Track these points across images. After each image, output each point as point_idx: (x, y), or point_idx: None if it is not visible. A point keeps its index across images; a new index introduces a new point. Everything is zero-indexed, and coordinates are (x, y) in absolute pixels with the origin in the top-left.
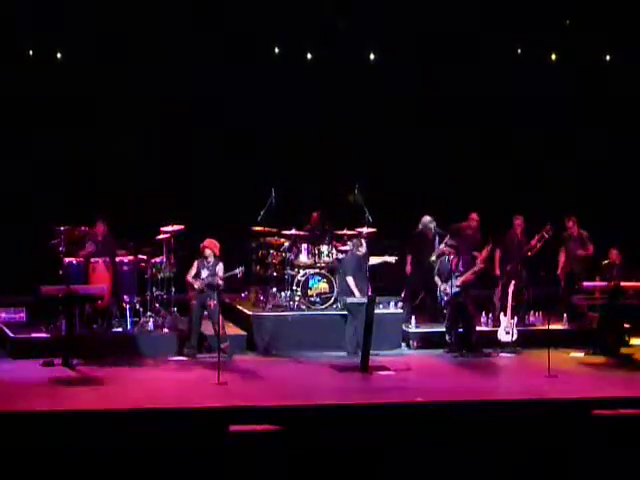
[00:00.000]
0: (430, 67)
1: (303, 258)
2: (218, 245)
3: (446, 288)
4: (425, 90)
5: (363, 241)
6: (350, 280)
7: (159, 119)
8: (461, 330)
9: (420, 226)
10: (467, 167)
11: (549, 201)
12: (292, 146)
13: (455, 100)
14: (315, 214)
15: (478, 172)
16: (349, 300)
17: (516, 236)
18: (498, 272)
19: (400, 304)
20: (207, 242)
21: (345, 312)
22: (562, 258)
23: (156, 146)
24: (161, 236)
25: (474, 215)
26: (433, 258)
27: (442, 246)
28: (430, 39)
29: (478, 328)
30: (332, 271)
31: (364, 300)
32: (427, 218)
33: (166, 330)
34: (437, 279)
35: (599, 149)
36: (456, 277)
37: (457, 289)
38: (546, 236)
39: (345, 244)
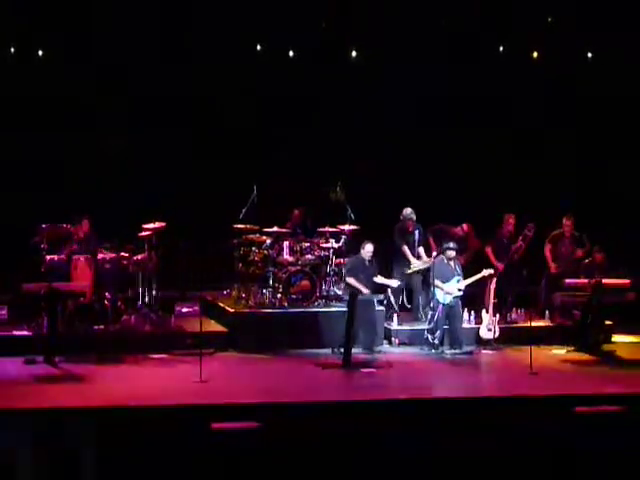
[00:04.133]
0: (415, 67)
1: (285, 255)
2: None
3: (450, 289)
4: (410, 89)
5: (366, 244)
6: (351, 280)
7: (141, 117)
8: (447, 327)
9: (401, 217)
10: (453, 166)
11: (539, 200)
12: (274, 143)
13: (441, 99)
14: (297, 211)
15: (465, 170)
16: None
17: (506, 234)
18: (491, 270)
19: (383, 301)
20: None
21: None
22: (548, 254)
23: (139, 144)
24: (143, 233)
25: (465, 226)
26: (427, 260)
27: (435, 255)
28: (416, 40)
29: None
30: (314, 268)
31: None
32: (408, 210)
33: (148, 327)
34: (437, 281)
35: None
36: (457, 280)
37: (460, 292)
38: (529, 234)
39: (327, 241)
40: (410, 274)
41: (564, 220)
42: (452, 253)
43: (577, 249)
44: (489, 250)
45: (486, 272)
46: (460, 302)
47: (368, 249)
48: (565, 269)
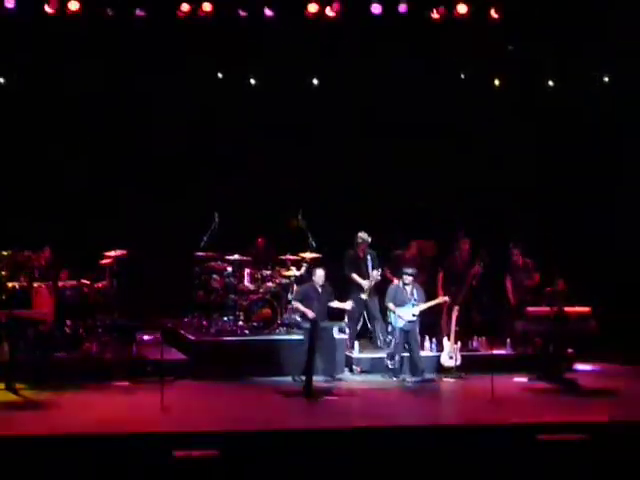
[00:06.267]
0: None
1: (246, 283)
2: None
3: (403, 314)
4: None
5: (317, 270)
6: (296, 304)
7: (103, 145)
8: (406, 354)
9: (355, 242)
10: (412, 189)
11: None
12: (235, 171)
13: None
14: (260, 239)
15: (423, 194)
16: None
17: (461, 259)
18: (442, 294)
19: (344, 329)
20: None
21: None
22: (508, 286)
23: (101, 171)
24: (104, 261)
25: (414, 243)
26: (373, 276)
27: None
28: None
29: (421, 353)
30: (275, 296)
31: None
32: (360, 234)
33: (109, 355)
34: (390, 305)
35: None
36: (412, 305)
37: (414, 317)
38: (482, 263)
39: (288, 269)
40: (366, 300)
41: (511, 251)
42: (408, 278)
43: (529, 278)
44: (440, 277)
45: (441, 299)
46: (417, 328)
47: (319, 274)
48: (521, 299)
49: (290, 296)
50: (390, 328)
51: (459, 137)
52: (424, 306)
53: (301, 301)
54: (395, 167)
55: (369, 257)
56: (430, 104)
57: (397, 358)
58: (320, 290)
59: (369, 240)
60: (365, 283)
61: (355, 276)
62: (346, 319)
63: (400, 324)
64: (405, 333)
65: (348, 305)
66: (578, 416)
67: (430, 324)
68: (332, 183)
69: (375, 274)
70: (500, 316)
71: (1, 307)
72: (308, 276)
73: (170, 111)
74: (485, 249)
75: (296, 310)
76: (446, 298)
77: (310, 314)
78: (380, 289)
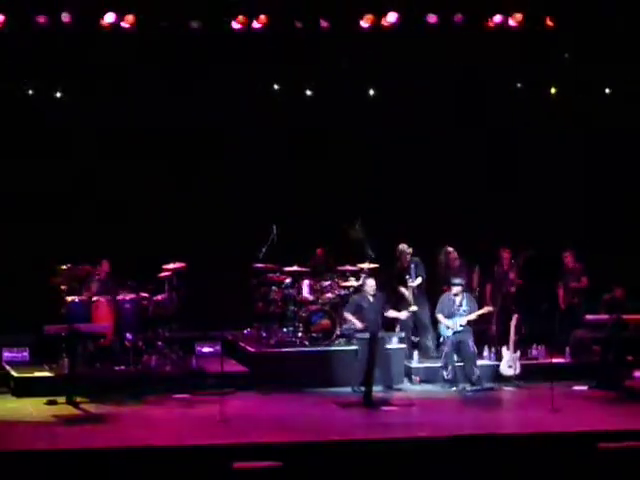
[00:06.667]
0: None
1: (305, 294)
2: None
3: (450, 324)
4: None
5: (367, 280)
6: (347, 315)
7: (162, 158)
8: (460, 364)
9: (396, 255)
10: (464, 201)
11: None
12: (293, 182)
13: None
14: (319, 250)
15: (475, 203)
16: (358, 335)
17: (502, 269)
18: (491, 307)
19: (404, 339)
20: None
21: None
22: (560, 292)
23: (160, 184)
24: (163, 274)
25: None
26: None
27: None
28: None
29: (480, 362)
30: (334, 307)
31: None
32: (401, 246)
33: (169, 367)
34: (439, 315)
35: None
36: (460, 315)
37: (461, 327)
38: (520, 264)
39: (347, 280)
40: (416, 310)
41: (563, 255)
42: (457, 289)
43: (578, 281)
44: (487, 290)
45: (486, 309)
46: (470, 337)
47: (370, 284)
48: (569, 301)
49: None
50: (442, 339)
51: (510, 145)
52: (471, 316)
53: (353, 312)
54: (448, 175)
55: (412, 266)
56: (481, 112)
57: (450, 368)
58: (372, 300)
59: (409, 250)
60: (406, 293)
61: (403, 291)
62: (398, 329)
63: (448, 334)
64: (456, 343)
65: (403, 315)
66: (639, 424)
67: (481, 333)
68: (390, 192)
69: (413, 282)
70: (553, 323)
71: (61, 321)
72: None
73: (227, 124)
74: (524, 255)
75: (347, 321)
76: (491, 308)
77: (359, 325)
78: (432, 300)
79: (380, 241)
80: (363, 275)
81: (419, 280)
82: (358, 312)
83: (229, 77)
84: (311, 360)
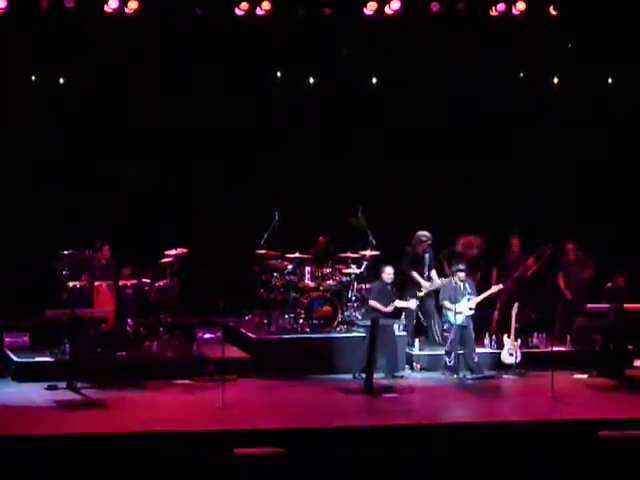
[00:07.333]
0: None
1: (307, 281)
2: None
3: (461, 309)
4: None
5: (387, 267)
6: (373, 303)
7: (164, 145)
8: (461, 352)
9: (413, 241)
10: (473, 190)
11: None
12: (294, 169)
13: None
14: (321, 238)
15: (480, 192)
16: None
17: (513, 256)
18: (501, 285)
19: (407, 326)
20: None
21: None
22: (561, 282)
23: (163, 171)
24: (165, 260)
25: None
26: (439, 282)
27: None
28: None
29: (481, 350)
30: (336, 294)
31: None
32: (420, 233)
33: (170, 353)
34: (446, 302)
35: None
36: (468, 299)
37: (471, 311)
38: (545, 255)
39: (349, 267)
40: (422, 297)
41: (566, 245)
42: (462, 275)
43: (584, 271)
44: (493, 275)
45: (495, 288)
46: (472, 325)
47: (388, 272)
48: (577, 293)
49: (350, 293)
50: (446, 325)
51: (515, 134)
52: (480, 298)
53: (376, 299)
54: (451, 164)
55: (427, 256)
56: (488, 101)
57: (453, 355)
58: (389, 288)
59: (431, 239)
60: (426, 285)
61: (415, 274)
62: (403, 316)
63: (459, 320)
64: (462, 329)
65: (412, 304)
66: (639, 413)
67: (483, 320)
68: (391, 181)
69: (441, 282)
70: (555, 313)
71: (62, 306)
72: (368, 274)
73: (234, 113)
74: (551, 246)
75: (372, 308)
76: (500, 286)
77: (384, 309)
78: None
79: (382, 230)
80: (366, 263)
81: (434, 271)
82: (380, 299)
83: (229, 74)
84: (312, 347)
